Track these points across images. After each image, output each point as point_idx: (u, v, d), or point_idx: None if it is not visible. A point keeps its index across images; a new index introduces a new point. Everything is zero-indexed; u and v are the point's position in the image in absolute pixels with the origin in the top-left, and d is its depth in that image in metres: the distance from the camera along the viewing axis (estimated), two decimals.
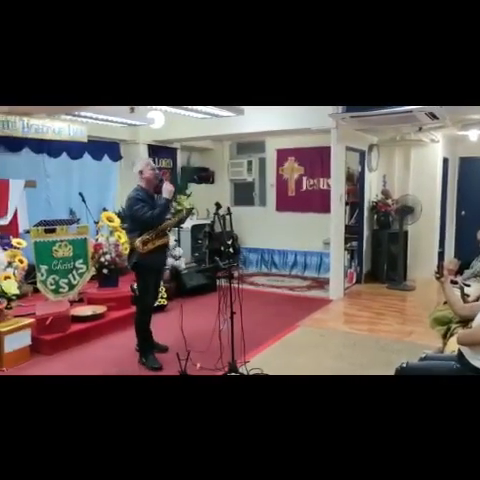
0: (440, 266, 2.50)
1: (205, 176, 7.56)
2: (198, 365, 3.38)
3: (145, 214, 3.40)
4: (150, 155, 6.36)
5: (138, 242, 3.46)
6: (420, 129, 5.82)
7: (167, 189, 3.45)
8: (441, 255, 6.98)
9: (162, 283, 4.17)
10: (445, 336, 3.23)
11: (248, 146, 7.55)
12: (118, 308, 4.57)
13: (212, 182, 7.69)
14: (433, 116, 4.14)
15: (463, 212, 7.84)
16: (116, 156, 6.63)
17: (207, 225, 6.74)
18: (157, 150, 6.67)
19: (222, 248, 3.74)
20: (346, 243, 6.10)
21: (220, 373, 3.25)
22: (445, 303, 3.77)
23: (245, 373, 3.26)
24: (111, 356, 3.79)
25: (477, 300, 3.22)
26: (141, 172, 3.58)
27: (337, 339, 4.20)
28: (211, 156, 7.74)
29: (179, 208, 3.97)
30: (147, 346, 3.64)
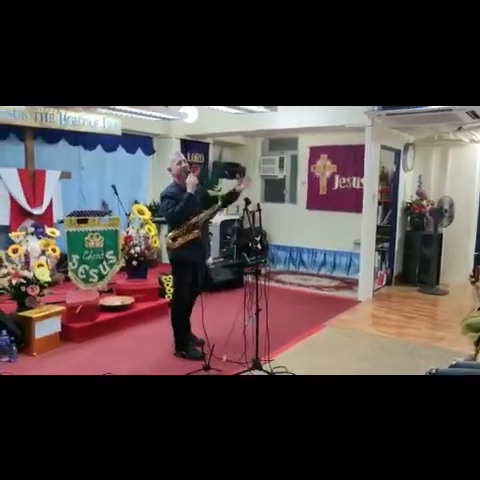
0: (476, 270, 2.39)
1: (236, 172, 7.55)
2: (224, 357, 3.38)
3: (167, 211, 3.45)
4: (182, 149, 6.40)
5: (168, 238, 3.51)
6: (460, 128, 5.62)
7: (191, 182, 3.42)
8: (478, 259, 6.74)
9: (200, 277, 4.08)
10: (477, 343, 3.10)
11: (280, 143, 7.49)
12: (146, 300, 4.64)
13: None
14: (475, 115, 3.98)
15: None
16: (149, 150, 6.72)
17: (236, 221, 6.73)
18: (189, 145, 6.71)
19: (250, 244, 3.72)
20: (377, 244, 5.98)
21: (244, 368, 3.24)
22: None
23: (269, 371, 3.24)
24: (136, 347, 3.84)
25: None
26: (170, 169, 3.63)
27: (364, 341, 4.11)
28: (243, 152, 7.72)
29: (213, 195, 3.89)
30: (183, 338, 3.67)
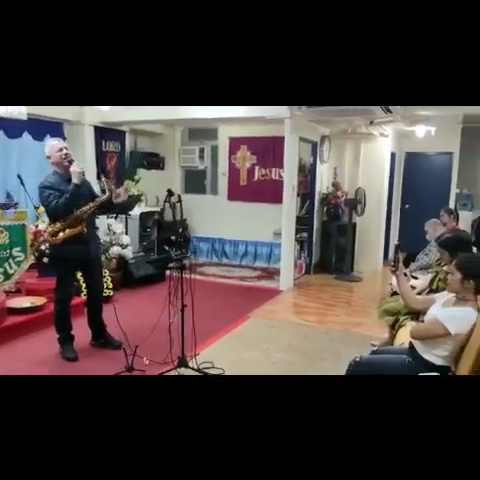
0: (396, 259, 2.50)
1: (155, 162, 7.30)
2: (145, 359, 3.23)
3: (50, 203, 3.18)
4: (97, 137, 6.02)
5: (47, 232, 3.25)
6: (372, 122, 5.91)
7: (75, 172, 3.18)
8: (397, 248, 7.19)
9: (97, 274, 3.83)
10: (393, 327, 3.29)
11: (200, 132, 7.36)
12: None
13: (162, 168, 7.45)
14: (387, 110, 4.19)
15: (407, 205, 8.14)
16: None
17: (156, 213, 6.51)
18: (104, 132, 6.32)
19: (173, 237, 3.58)
20: (296, 234, 6.13)
21: (169, 367, 3.13)
22: (392, 295, 3.87)
23: (195, 367, 3.16)
24: (50, 351, 3.54)
25: (421, 293, 3.31)
26: (49, 157, 3.32)
27: (287, 331, 4.19)
28: (161, 141, 7.48)
29: (129, 196, 3.68)
30: (64, 336, 3.49)
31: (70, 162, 3.25)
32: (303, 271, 6.49)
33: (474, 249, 3.50)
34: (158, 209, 6.52)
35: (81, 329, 3.66)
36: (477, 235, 8.42)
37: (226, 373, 3.17)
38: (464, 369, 2.09)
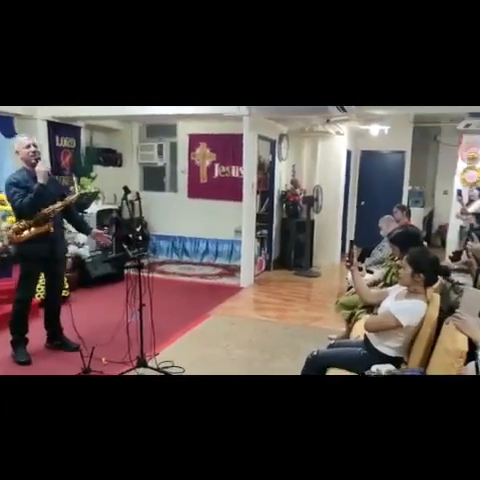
0: (351, 254, 2.57)
1: (112, 158, 7.14)
2: (103, 360, 3.17)
3: (15, 202, 3.11)
4: (50, 133, 5.81)
5: (11, 230, 3.16)
6: (328, 121, 6.04)
7: (40, 171, 3.11)
8: (352, 243, 7.38)
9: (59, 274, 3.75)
10: (349, 320, 3.38)
11: (158, 129, 7.26)
12: (12, 301, 4.12)
13: (120, 165, 7.30)
14: (343, 109, 4.30)
15: (363, 202, 8.37)
16: (9, 132, 5.94)
17: (114, 211, 6.36)
18: (58, 127, 6.11)
19: (131, 235, 3.53)
20: (256, 231, 6.18)
21: (128, 368, 3.08)
22: (349, 289, 3.98)
23: (155, 367, 3.13)
24: (3, 354, 3.40)
25: (374, 286, 3.42)
26: (17, 152, 3.24)
27: (248, 327, 4.22)
28: (119, 137, 7.31)
29: (86, 193, 3.61)
30: (18, 339, 3.38)
31: (37, 160, 3.17)
32: (263, 268, 6.55)
33: (425, 244, 3.66)
34: (116, 207, 6.38)
35: (36, 331, 3.54)
36: (428, 231, 8.81)
37: (186, 372, 3.16)
38: (415, 360, 2.19)
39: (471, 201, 6.13)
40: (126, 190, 3.16)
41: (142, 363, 3.11)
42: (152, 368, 3.11)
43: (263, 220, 6.55)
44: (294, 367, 2.73)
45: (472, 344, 1.77)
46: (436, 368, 1.96)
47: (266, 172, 6.65)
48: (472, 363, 1.57)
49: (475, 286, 2.65)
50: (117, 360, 3.11)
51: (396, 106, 4.61)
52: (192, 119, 6.55)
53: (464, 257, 3.17)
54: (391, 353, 2.28)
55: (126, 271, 3.78)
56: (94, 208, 5.97)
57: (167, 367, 3.19)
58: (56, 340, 3.56)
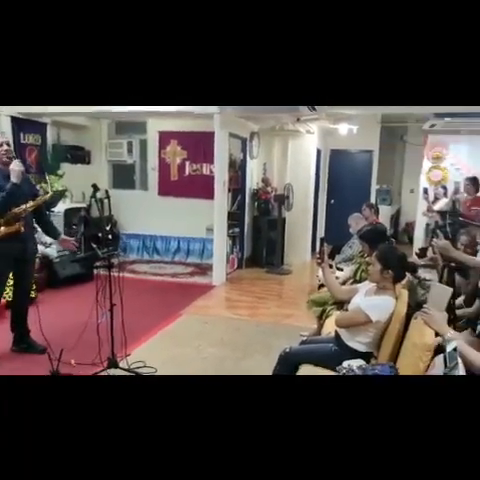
0: (321, 252, 2.60)
1: (80, 156, 6.98)
2: (72, 361, 3.10)
3: None
4: (14, 129, 5.63)
5: None
6: (298, 120, 6.09)
7: (14, 171, 3.04)
8: (322, 241, 7.47)
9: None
10: (321, 317, 3.42)
11: (128, 126, 7.14)
12: None
13: (88, 162, 7.14)
14: (312, 108, 4.34)
15: (332, 201, 8.50)
16: None
17: (83, 209, 6.22)
18: (22, 124, 5.92)
19: (100, 234, 3.45)
20: (228, 229, 6.18)
21: (98, 369, 3.02)
22: (320, 287, 4.03)
23: (126, 367, 3.08)
24: None
25: (344, 283, 3.48)
26: None
27: (220, 325, 4.21)
28: (87, 134, 7.15)
29: (53, 191, 3.51)
30: None
31: (10, 159, 3.09)
32: (235, 266, 6.55)
33: (393, 241, 3.75)
34: (84, 205, 6.24)
35: (1, 334, 3.43)
36: (395, 228, 9.04)
37: (158, 371, 3.13)
38: (385, 355, 2.23)
39: (436, 199, 6.33)
40: (95, 188, 3.09)
41: (113, 364, 3.06)
42: (123, 369, 3.07)
43: (235, 218, 6.55)
44: (266, 365, 2.74)
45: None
46: (405, 362, 2.01)
47: (237, 170, 6.66)
48: (441, 356, 1.62)
49: (441, 281, 2.73)
50: (87, 362, 3.04)
51: (364, 106, 4.69)
52: (162, 116, 6.48)
53: (430, 253, 3.27)
54: (361, 348, 2.32)
55: (96, 271, 3.71)
56: (62, 207, 5.82)
57: (139, 367, 3.15)
58: (22, 343, 3.46)
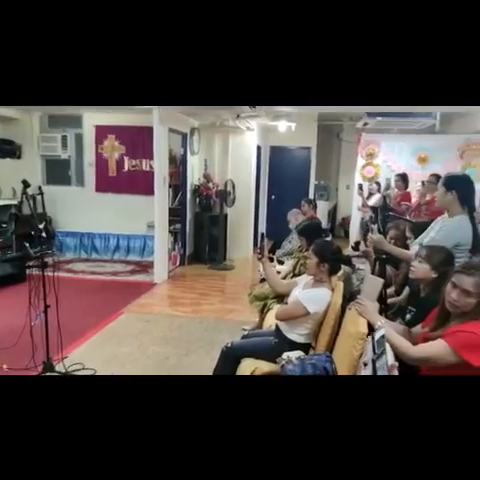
0: (262, 247, 2.64)
1: (9, 150, 6.58)
2: (5, 366, 2.94)
3: None
4: None
5: None
6: (238, 116, 6.13)
7: None
8: (263, 236, 7.58)
9: None
10: (262, 311, 3.49)
11: (62, 119, 6.82)
12: None
13: (19, 157, 6.75)
14: (253, 106, 4.38)
15: (273, 196, 8.66)
16: None
17: (13, 206, 5.89)
18: None
19: (32, 233, 3.29)
20: (170, 226, 6.11)
21: (33, 374, 2.88)
22: (261, 281, 4.10)
23: (63, 370, 2.97)
24: None
25: (285, 277, 3.57)
26: None
27: (162, 323, 4.16)
28: (17, 127, 6.75)
29: None
30: None
31: None
32: (178, 263, 6.50)
33: (330, 235, 3.88)
34: (15, 202, 5.90)
35: None
36: (333, 223, 9.38)
37: (99, 372, 3.04)
38: (322, 345, 2.32)
39: (371, 195, 6.63)
40: (25, 184, 2.94)
41: (49, 368, 2.93)
42: (60, 373, 2.95)
43: (176, 214, 6.48)
44: (209, 360, 2.76)
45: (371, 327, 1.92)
46: (340, 350, 2.10)
47: (178, 166, 6.59)
48: (370, 344, 1.70)
49: (373, 273, 2.87)
50: (21, 366, 2.90)
51: (301, 106, 4.81)
52: (98, 110, 6.27)
53: (362, 247, 3.42)
54: (300, 340, 2.39)
55: (28, 271, 3.53)
56: None
57: (77, 370, 3.04)
58: None
